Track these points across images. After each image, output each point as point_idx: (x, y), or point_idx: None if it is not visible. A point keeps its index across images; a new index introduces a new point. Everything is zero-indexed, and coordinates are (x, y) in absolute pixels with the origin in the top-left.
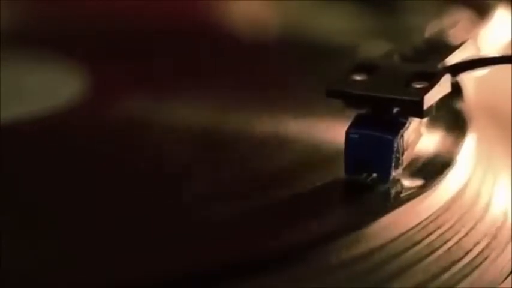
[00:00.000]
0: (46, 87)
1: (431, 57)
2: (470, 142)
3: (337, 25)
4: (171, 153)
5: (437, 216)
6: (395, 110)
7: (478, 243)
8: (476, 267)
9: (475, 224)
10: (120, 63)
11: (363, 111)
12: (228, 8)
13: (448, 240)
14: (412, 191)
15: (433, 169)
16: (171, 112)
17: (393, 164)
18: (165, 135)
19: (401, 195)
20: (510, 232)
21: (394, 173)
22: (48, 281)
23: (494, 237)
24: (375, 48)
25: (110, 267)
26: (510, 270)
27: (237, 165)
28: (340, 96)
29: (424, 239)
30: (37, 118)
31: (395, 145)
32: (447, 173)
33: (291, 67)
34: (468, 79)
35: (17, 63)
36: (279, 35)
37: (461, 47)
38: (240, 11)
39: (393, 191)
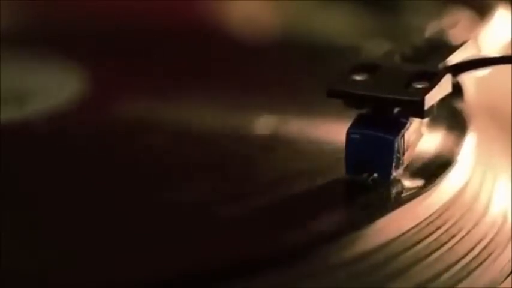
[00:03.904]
0: (46, 87)
1: (431, 58)
2: (470, 142)
3: (337, 25)
4: (171, 153)
5: (438, 216)
6: (396, 110)
7: (478, 243)
8: (476, 267)
9: (475, 224)
10: (120, 63)
11: (363, 111)
12: (228, 8)
13: (448, 240)
14: (413, 191)
15: (433, 169)
16: (170, 112)
17: (394, 164)
18: (165, 135)
19: (402, 195)
20: (510, 232)
21: (395, 173)
22: (48, 281)
23: (494, 237)
24: (375, 48)
25: (110, 267)
26: (510, 270)
27: (237, 166)
28: (341, 96)
29: (424, 239)
30: (37, 118)
31: (396, 145)
32: (447, 173)
33: (291, 67)
34: (469, 79)
35: (17, 63)
36: (279, 35)
37: (462, 47)
38: (239, 11)
39: (394, 191)
